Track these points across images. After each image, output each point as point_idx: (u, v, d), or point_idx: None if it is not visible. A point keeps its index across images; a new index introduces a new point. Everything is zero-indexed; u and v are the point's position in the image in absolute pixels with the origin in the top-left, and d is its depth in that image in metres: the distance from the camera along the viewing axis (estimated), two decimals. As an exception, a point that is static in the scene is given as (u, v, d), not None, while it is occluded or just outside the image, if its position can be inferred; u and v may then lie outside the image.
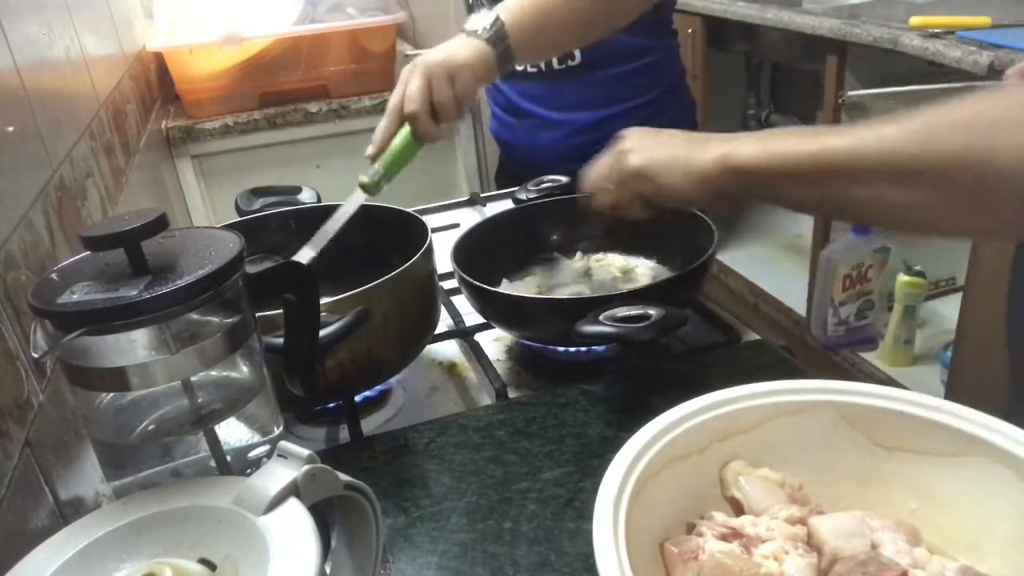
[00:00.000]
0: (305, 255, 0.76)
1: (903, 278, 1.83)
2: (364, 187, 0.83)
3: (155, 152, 1.52)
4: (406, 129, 0.85)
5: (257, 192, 0.96)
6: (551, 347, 0.85)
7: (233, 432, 0.51)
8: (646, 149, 0.72)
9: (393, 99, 0.86)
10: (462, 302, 0.90)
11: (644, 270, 0.94)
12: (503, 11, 0.89)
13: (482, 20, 0.88)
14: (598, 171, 0.78)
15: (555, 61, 1.17)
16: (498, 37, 0.88)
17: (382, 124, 0.85)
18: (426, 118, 0.84)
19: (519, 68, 1.19)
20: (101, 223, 0.47)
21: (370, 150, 0.84)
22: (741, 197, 0.73)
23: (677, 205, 0.75)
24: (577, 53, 1.16)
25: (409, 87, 0.83)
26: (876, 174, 0.56)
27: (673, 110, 1.25)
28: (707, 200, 0.71)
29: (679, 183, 0.69)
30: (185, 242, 0.48)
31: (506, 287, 0.91)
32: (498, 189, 1.37)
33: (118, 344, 0.45)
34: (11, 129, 0.68)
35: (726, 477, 0.54)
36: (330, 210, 0.89)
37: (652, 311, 0.68)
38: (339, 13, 1.76)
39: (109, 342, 0.45)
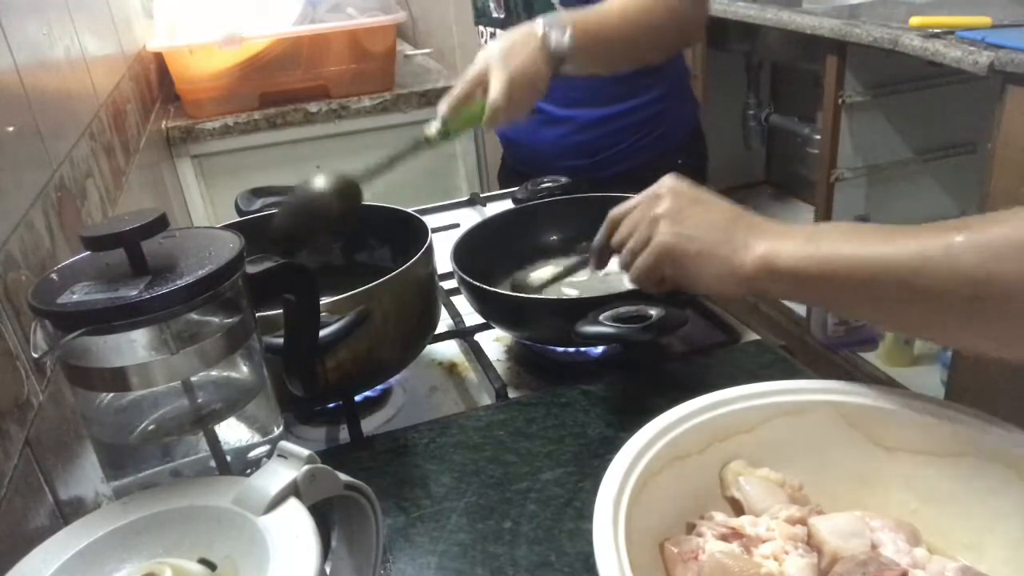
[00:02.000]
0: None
1: (903, 278, 1.83)
2: (428, 140, 0.88)
3: (155, 152, 1.52)
4: (481, 103, 0.89)
5: (257, 192, 0.96)
6: (551, 347, 0.85)
7: (233, 432, 0.51)
8: (684, 221, 0.64)
9: (473, 71, 0.90)
10: (462, 302, 0.90)
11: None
12: (577, 30, 0.91)
13: (561, 39, 0.90)
14: (628, 221, 0.70)
15: None
16: (563, 60, 0.91)
17: (458, 91, 0.89)
18: (502, 115, 0.88)
19: None
20: (101, 223, 0.47)
21: (443, 107, 0.88)
22: (779, 297, 0.67)
23: (699, 294, 0.66)
24: None
25: (496, 82, 0.87)
26: (943, 293, 0.49)
27: (677, 110, 1.25)
28: (737, 297, 0.64)
29: (710, 275, 0.62)
30: (185, 242, 0.48)
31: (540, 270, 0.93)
32: (500, 188, 1.38)
33: (118, 344, 0.45)
34: (11, 129, 0.68)
35: (726, 477, 0.54)
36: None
37: (652, 311, 0.68)
38: (339, 13, 1.76)
39: (109, 342, 0.45)
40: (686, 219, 0.64)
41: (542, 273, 0.93)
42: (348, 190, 0.80)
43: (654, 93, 1.20)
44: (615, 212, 0.72)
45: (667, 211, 0.65)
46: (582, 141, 1.21)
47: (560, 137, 1.22)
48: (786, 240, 0.59)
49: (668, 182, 0.68)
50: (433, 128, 0.88)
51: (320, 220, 0.79)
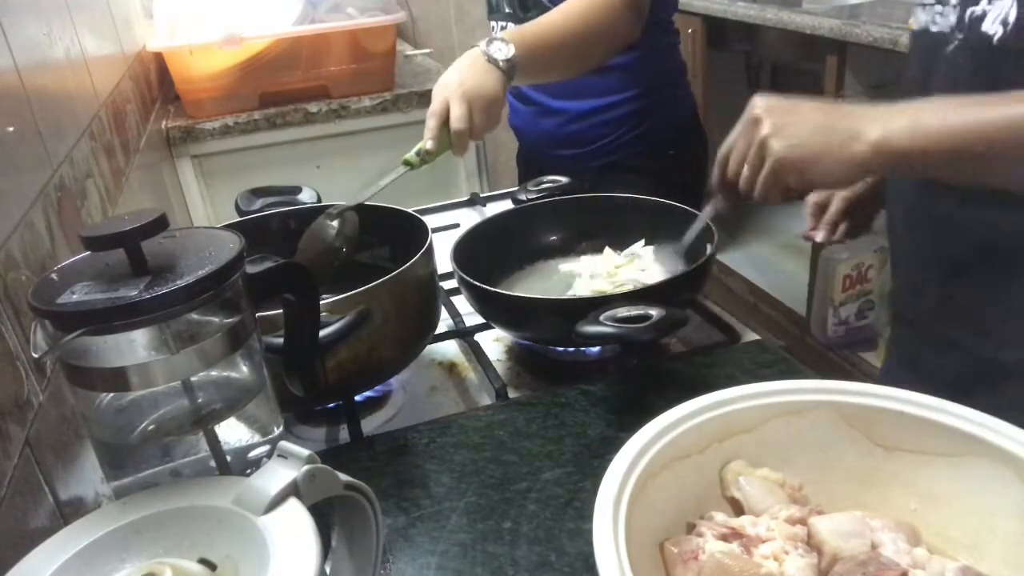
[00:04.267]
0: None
1: (903, 278, 1.83)
2: (410, 163, 0.91)
3: (155, 152, 1.52)
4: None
5: (257, 192, 0.96)
6: (551, 347, 0.85)
7: (233, 432, 0.51)
8: (789, 132, 0.67)
9: (435, 104, 0.95)
10: (462, 302, 0.90)
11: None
12: (516, 44, 0.98)
13: (503, 51, 0.97)
14: (736, 153, 0.72)
15: None
16: (512, 67, 0.98)
17: (431, 125, 0.94)
18: (468, 137, 0.94)
19: None
20: (101, 223, 0.47)
21: (431, 145, 0.93)
22: (896, 174, 0.73)
23: (824, 188, 0.72)
24: None
25: (456, 110, 0.92)
26: None
27: (670, 104, 1.27)
28: (857, 181, 0.71)
29: (833, 173, 0.66)
30: (185, 242, 0.48)
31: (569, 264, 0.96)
32: (520, 174, 1.44)
33: (118, 344, 0.45)
34: (11, 129, 0.68)
35: (726, 477, 0.54)
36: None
37: (653, 311, 0.68)
38: (339, 13, 1.76)
39: (109, 342, 0.45)
40: (790, 130, 0.67)
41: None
42: (348, 226, 0.85)
43: (642, 87, 1.23)
44: (722, 150, 0.75)
45: (771, 130, 0.68)
46: (575, 131, 1.26)
47: (556, 127, 1.27)
48: (892, 122, 0.63)
49: (758, 103, 0.70)
50: (412, 153, 0.93)
51: (328, 266, 0.83)
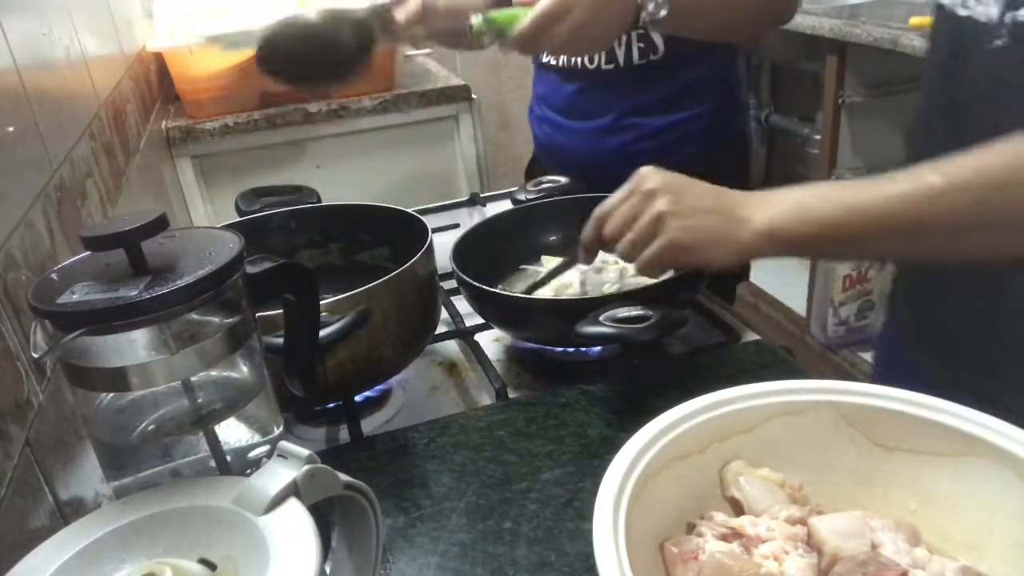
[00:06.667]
0: None
1: (903, 278, 1.83)
2: (475, 32, 0.85)
3: (155, 152, 1.52)
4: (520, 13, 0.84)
5: (257, 192, 0.96)
6: (551, 347, 0.85)
7: (233, 432, 0.51)
8: (687, 214, 0.66)
9: None
10: (462, 302, 0.90)
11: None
12: None
13: (657, 9, 0.84)
14: (619, 216, 0.70)
15: (636, 54, 1.10)
16: (656, 22, 0.86)
17: None
18: (548, 23, 0.82)
19: (587, 63, 1.13)
20: (101, 223, 0.47)
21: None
22: (789, 256, 0.72)
23: (709, 270, 0.72)
24: (660, 46, 1.09)
25: None
26: (922, 227, 0.59)
27: (735, 119, 1.20)
28: (742, 264, 0.70)
29: (719, 257, 0.66)
30: (185, 242, 0.48)
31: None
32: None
33: (118, 344, 0.45)
34: (11, 129, 0.68)
35: (726, 477, 0.54)
36: (330, 210, 0.89)
37: (652, 312, 0.68)
38: (339, 13, 1.76)
39: (109, 342, 0.45)
40: (686, 211, 0.67)
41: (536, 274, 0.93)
42: (362, 30, 0.77)
43: (714, 103, 1.16)
44: (602, 209, 0.73)
45: (669, 207, 0.67)
46: (644, 150, 1.14)
47: (622, 145, 1.16)
48: (777, 208, 0.64)
49: (654, 176, 0.69)
50: (479, 19, 0.85)
51: (328, 51, 0.75)
